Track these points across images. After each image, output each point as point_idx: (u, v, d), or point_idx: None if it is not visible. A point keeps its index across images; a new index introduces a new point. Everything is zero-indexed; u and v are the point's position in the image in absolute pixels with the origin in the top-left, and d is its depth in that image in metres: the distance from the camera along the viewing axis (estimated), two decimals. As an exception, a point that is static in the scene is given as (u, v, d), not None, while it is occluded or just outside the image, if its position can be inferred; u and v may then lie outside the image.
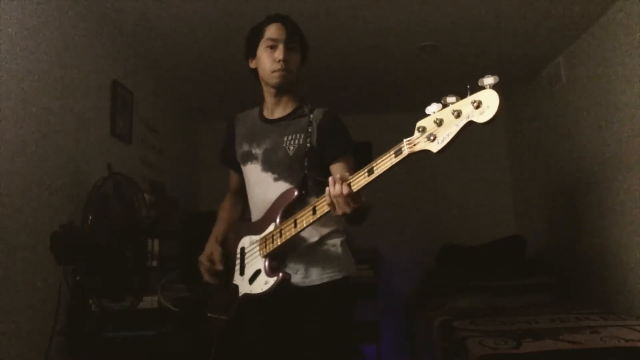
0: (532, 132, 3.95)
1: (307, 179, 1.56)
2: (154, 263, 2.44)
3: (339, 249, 1.61)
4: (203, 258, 1.70)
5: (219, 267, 1.67)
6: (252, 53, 1.66)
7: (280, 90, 1.64)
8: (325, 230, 1.59)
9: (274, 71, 1.60)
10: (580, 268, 3.23)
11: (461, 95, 1.03)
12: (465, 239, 3.88)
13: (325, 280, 1.56)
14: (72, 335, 2.01)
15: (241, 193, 1.78)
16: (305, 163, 1.57)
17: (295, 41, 1.62)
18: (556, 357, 2.02)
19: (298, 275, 1.56)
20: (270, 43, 1.60)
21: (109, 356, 2.01)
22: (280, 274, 1.48)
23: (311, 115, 1.61)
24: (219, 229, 1.79)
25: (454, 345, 2.38)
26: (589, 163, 3.06)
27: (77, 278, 1.91)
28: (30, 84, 2.03)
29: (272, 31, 1.61)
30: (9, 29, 1.92)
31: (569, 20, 2.83)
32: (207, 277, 1.71)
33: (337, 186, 1.25)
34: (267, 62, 1.60)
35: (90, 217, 1.92)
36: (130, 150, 2.97)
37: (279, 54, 1.58)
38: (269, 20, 1.64)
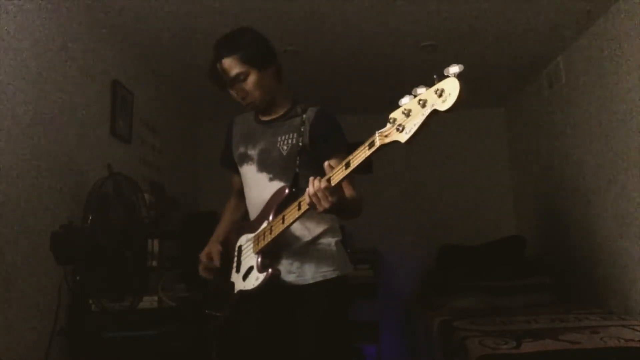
0: (532, 132, 3.95)
1: (299, 178, 1.57)
2: (154, 263, 2.44)
3: (334, 248, 1.63)
4: (202, 255, 1.74)
5: (217, 264, 1.70)
6: (224, 89, 1.66)
7: (263, 108, 1.68)
8: (319, 230, 1.61)
9: (245, 105, 1.64)
10: (580, 268, 3.23)
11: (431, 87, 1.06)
12: (465, 239, 3.87)
13: (319, 279, 1.57)
14: (72, 335, 2.01)
15: (244, 194, 1.80)
16: (297, 162, 1.58)
17: (240, 73, 1.56)
18: (556, 357, 2.02)
19: (293, 274, 1.57)
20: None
21: (109, 356, 2.01)
22: (270, 270, 1.50)
23: (304, 115, 1.63)
24: (221, 228, 1.83)
25: (454, 345, 2.38)
26: (589, 163, 3.06)
27: (77, 278, 1.91)
28: (30, 84, 2.04)
29: (223, 70, 1.59)
30: (9, 29, 1.92)
31: (569, 20, 2.83)
32: (203, 273, 1.74)
33: (315, 182, 1.28)
34: (236, 98, 1.64)
35: (90, 217, 1.92)
36: (130, 150, 2.97)
37: (234, 94, 1.62)
38: (217, 53, 1.60)
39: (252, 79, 1.58)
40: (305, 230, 1.59)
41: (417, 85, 1.11)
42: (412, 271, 4.16)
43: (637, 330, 2.23)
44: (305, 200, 1.34)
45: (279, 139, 1.63)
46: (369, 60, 3.36)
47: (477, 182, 4.41)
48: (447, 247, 3.88)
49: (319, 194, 1.27)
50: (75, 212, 2.07)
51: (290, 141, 1.61)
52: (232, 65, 1.56)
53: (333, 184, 1.27)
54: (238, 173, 1.79)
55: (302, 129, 1.60)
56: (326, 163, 1.32)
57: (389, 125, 1.13)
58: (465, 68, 1.01)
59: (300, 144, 1.59)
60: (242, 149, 1.72)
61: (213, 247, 1.74)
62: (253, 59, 1.57)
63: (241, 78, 1.57)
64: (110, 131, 2.73)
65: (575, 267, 3.29)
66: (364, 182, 1.40)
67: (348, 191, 1.42)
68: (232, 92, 1.63)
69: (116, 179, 2.13)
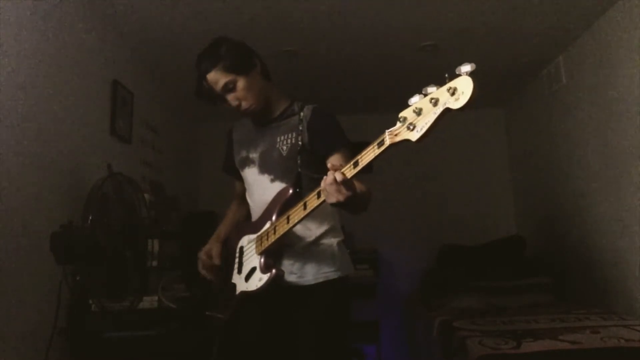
0: (532, 132, 3.96)
1: (301, 177, 1.57)
2: (154, 263, 2.44)
3: (335, 249, 1.63)
4: (201, 253, 1.74)
5: (216, 261, 1.69)
6: (217, 103, 1.65)
7: (261, 111, 1.66)
8: (321, 230, 1.61)
9: (242, 112, 1.63)
10: (580, 268, 3.23)
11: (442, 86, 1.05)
12: (465, 239, 3.88)
13: (321, 279, 1.57)
14: (72, 335, 2.01)
15: (246, 199, 1.80)
16: (299, 161, 1.58)
17: (227, 82, 1.56)
18: (556, 357, 2.02)
19: (294, 275, 1.57)
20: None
21: (109, 356, 2.01)
22: (274, 270, 1.49)
23: (301, 114, 1.63)
24: (222, 229, 1.82)
25: (454, 345, 2.38)
26: (589, 163, 3.06)
27: (77, 278, 1.91)
28: (30, 84, 2.03)
29: (210, 86, 1.58)
30: (9, 29, 1.92)
31: (569, 20, 2.83)
32: (203, 272, 1.73)
33: (330, 174, 1.25)
34: (232, 107, 1.62)
35: (90, 217, 1.92)
36: (130, 150, 2.97)
37: (230, 104, 1.60)
38: (200, 70, 1.59)
39: (240, 85, 1.57)
40: (307, 231, 1.59)
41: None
42: (412, 271, 4.16)
43: (637, 330, 2.23)
44: (312, 198, 1.34)
45: (278, 140, 1.63)
46: (369, 60, 3.36)
47: (477, 182, 4.41)
48: (447, 247, 3.89)
49: (333, 187, 1.25)
50: (75, 212, 2.06)
51: (289, 141, 1.61)
52: (217, 77, 1.56)
53: (349, 177, 1.25)
54: (240, 179, 1.79)
55: (301, 128, 1.60)
56: (330, 163, 1.31)
57: (398, 124, 1.12)
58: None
59: (300, 143, 1.59)
60: (243, 154, 1.72)
61: (213, 246, 1.74)
62: (236, 66, 1.56)
63: (230, 87, 1.56)
64: (110, 131, 2.73)
65: (575, 267, 3.29)
66: (364, 182, 1.40)
67: (358, 185, 1.42)
68: (227, 104, 1.62)
69: (116, 179, 2.13)
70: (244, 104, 1.59)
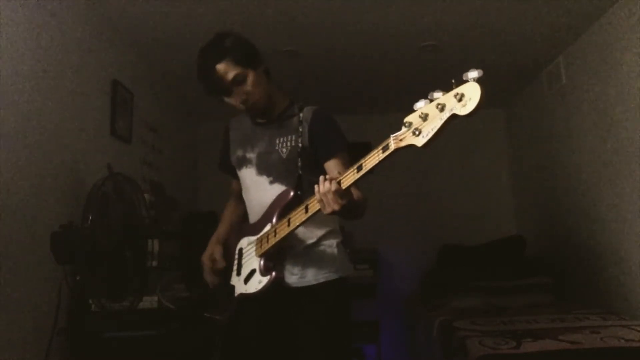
0: (532, 132, 3.96)
1: (302, 180, 1.56)
2: (154, 263, 2.44)
3: (335, 250, 1.62)
4: (205, 258, 1.72)
5: (221, 264, 1.68)
6: (220, 96, 1.60)
7: (264, 108, 1.63)
8: (321, 232, 1.60)
9: (246, 108, 1.59)
10: (580, 268, 3.23)
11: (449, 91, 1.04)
12: (465, 239, 3.88)
13: (321, 280, 1.57)
14: (72, 335, 2.01)
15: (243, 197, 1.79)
16: (299, 164, 1.57)
17: (237, 74, 1.52)
18: (556, 357, 2.02)
19: (294, 276, 1.57)
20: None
21: (109, 356, 2.01)
22: (273, 273, 1.50)
23: (301, 115, 1.61)
24: (220, 230, 1.81)
25: (454, 345, 2.38)
26: (588, 163, 3.06)
27: (77, 278, 1.90)
28: (30, 84, 2.03)
29: (219, 77, 1.52)
30: (9, 29, 1.91)
31: (569, 20, 2.83)
32: (209, 278, 1.72)
33: (326, 184, 1.25)
34: (236, 103, 1.58)
35: (90, 217, 1.92)
36: (130, 150, 2.97)
37: (236, 98, 1.55)
38: (207, 61, 1.54)
39: (250, 78, 1.53)
40: (308, 233, 1.58)
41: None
42: (412, 271, 4.16)
43: (637, 330, 2.23)
44: (313, 201, 1.33)
45: (277, 141, 1.61)
46: (369, 60, 3.36)
47: (477, 182, 4.41)
48: (447, 247, 3.89)
49: (329, 196, 1.25)
50: (75, 212, 2.06)
51: (289, 143, 1.59)
52: (227, 69, 1.51)
53: (344, 187, 1.25)
54: (236, 177, 1.77)
55: (301, 130, 1.59)
56: (322, 176, 1.30)
57: (404, 128, 1.11)
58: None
59: (300, 145, 1.57)
60: (240, 153, 1.70)
61: (215, 249, 1.72)
62: (245, 59, 1.53)
63: (240, 79, 1.52)
64: (110, 131, 2.73)
65: (576, 267, 3.29)
66: (364, 182, 1.39)
67: (355, 192, 1.41)
68: (231, 99, 1.57)
69: (116, 179, 2.13)
70: (251, 99, 1.55)
